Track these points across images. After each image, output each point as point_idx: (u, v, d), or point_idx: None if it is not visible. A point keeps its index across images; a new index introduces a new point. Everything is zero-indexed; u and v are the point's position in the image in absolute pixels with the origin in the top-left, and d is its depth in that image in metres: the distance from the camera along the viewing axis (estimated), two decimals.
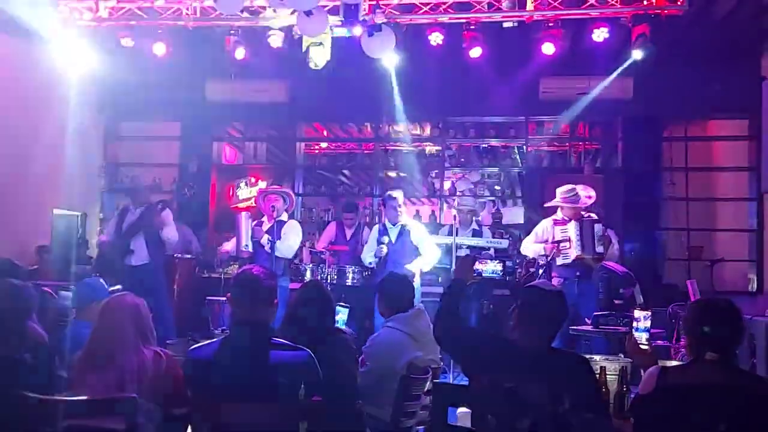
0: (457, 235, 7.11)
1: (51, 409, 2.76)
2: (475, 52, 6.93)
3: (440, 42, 6.85)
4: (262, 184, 9.31)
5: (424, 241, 6.80)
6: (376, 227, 7.10)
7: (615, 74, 7.78)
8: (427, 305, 4.35)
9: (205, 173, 9.62)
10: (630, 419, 2.83)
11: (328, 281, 7.11)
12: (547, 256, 6.56)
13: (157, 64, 7.71)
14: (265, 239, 6.51)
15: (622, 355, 4.02)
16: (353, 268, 7.24)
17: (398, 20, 6.68)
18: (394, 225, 6.82)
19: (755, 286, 8.29)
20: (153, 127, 9.85)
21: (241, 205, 9.34)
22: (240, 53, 7.29)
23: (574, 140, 10.20)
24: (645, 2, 6.35)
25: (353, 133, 10.99)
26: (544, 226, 6.68)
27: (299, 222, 7.32)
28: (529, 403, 2.69)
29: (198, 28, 7.26)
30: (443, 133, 9.69)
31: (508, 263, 7.49)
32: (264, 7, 6.96)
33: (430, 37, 6.86)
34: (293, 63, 7.46)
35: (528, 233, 7.15)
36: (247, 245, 6.60)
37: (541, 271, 6.70)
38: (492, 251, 7.37)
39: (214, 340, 2.89)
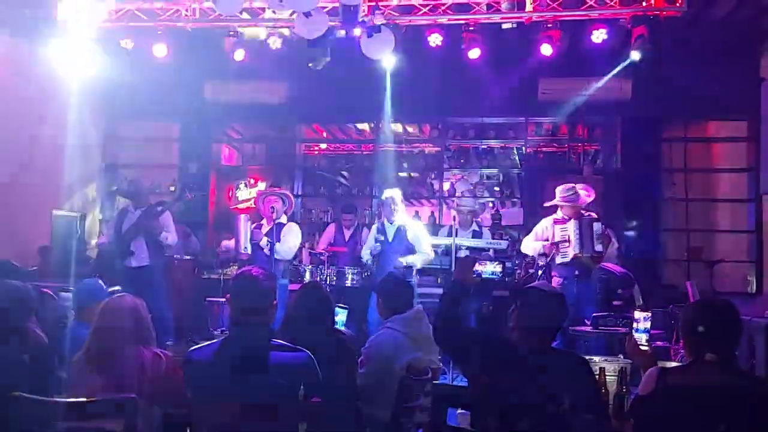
0: (456, 235, 7.13)
1: (50, 410, 2.76)
2: (474, 53, 6.94)
3: (439, 43, 6.86)
4: (262, 185, 9.31)
5: (420, 240, 6.84)
6: (375, 225, 7.13)
7: (613, 74, 7.78)
8: (426, 306, 4.35)
9: (205, 174, 9.61)
10: (629, 420, 2.83)
11: (327, 282, 7.11)
12: (546, 255, 6.58)
13: (156, 66, 7.71)
14: (264, 241, 6.51)
15: (622, 356, 4.03)
16: (352, 269, 7.25)
17: (397, 21, 6.68)
18: (391, 223, 6.86)
19: (754, 287, 8.29)
20: (152, 128, 9.84)
21: (240, 206, 9.33)
22: (239, 54, 7.29)
23: (574, 141, 10.20)
24: (644, 3, 6.35)
25: (352, 134, 10.99)
26: (544, 224, 6.71)
27: (298, 223, 7.32)
28: (529, 404, 2.69)
29: (197, 30, 7.26)
30: (442, 133, 9.69)
31: (508, 264, 7.52)
32: (263, 8, 6.97)
33: (429, 38, 6.86)
34: (292, 64, 7.46)
35: (527, 234, 7.17)
36: (246, 247, 6.60)
37: (540, 272, 6.72)
38: (491, 252, 7.38)
39: (214, 341, 2.89)
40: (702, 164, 8.94)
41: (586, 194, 6.58)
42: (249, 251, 6.61)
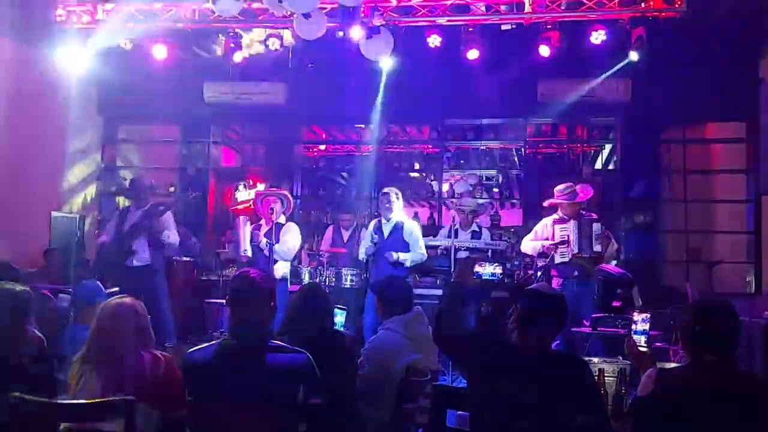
0: (456, 236, 7.14)
1: (49, 412, 2.76)
2: (473, 54, 6.95)
3: (438, 44, 6.86)
4: (261, 187, 9.30)
5: (416, 239, 6.88)
6: (372, 222, 7.13)
7: (612, 75, 7.78)
8: (426, 307, 4.35)
9: (204, 176, 9.61)
10: (629, 421, 2.83)
11: (326, 283, 7.12)
12: (546, 255, 6.59)
13: (155, 67, 7.71)
14: (263, 242, 6.51)
15: (621, 357, 4.03)
16: (351, 270, 7.26)
17: (396, 22, 6.68)
18: (387, 220, 6.87)
19: (753, 287, 8.30)
20: (151, 130, 9.84)
21: (239, 207, 9.33)
22: (238, 56, 7.29)
23: (573, 142, 10.21)
24: (643, 5, 6.36)
25: (351, 135, 10.99)
26: (544, 224, 6.74)
27: (297, 224, 7.32)
28: (528, 405, 2.69)
29: (196, 31, 7.26)
30: (441, 135, 9.69)
31: (507, 265, 7.53)
32: (263, 10, 6.97)
33: (428, 40, 6.87)
34: (292, 65, 7.46)
35: (526, 235, 7.18)
36: (246, 249, 6.60)
37: (539, 273, 6.73)
38: (490, 253, 7.39)
39: (213, 342, 2.88)
40: (701, 165, 8.94)
41: (582, 192, 6.61)
42: (249, 253, 6.61)
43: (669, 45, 7.13)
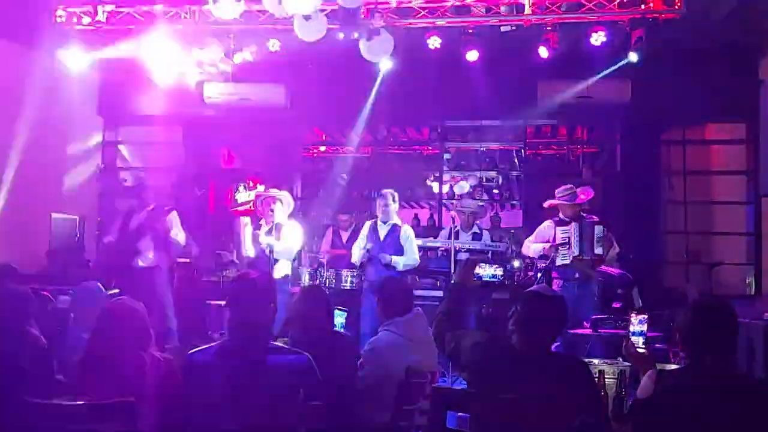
0: (457, 237, 7.14)
1: (50, 414, 2.76)
2: (472, 56, 6.94)
3: (438, 46, 6.86)
4: (261, 188, 9.30)
5: (410, 244, 6.91)
6: (368, 223, 7.13)
7: (612, 76, 7.78)
8: (426, 308, 4.35)
9: (204, 177, 9.61)
10: (629, 423, 2.83)
11: (326, 285, 7.12)
12: (547, 257, 6.60)
13: (155, 67, 7.71)
14: (264, 243, 6.52)
15: (621, 359, 4.03)
16: (351, 272, 7.25)
17: (396, 24, 6.68)
18: (384, 223, 6.88)
19: (753, 289, 8.30)
20: (151, 131, 9.84)
21: (239, 208, 9.33)
22: (238, 57, 7.29)
23: (573, 143, 10.23)
24: (642, 6, 6.36)
25: (351, 136, 10.98)
26: (545, 226, 6.74)
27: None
28: (529, 406, 2.70)
29: (197, 32, 7.26)
30: (441, 136, 9.70)
31: (508, 267, 7.54)
32: (262, 11, 6.97)
33: (428, 41, 6.87)
34: (292, 67, 7.46)
35: (527, 237, 7.18)
36: (247, 250, 6.61)
37: (540, 274, 6.73)
38: (490, 255, 7.40)
39: (213, 344, 2.89)
40: (701, 167, 8.94)
41: (583, 193, 6.62)
42: (251, 254, 6.62)
43: (669, 46, 7.13)
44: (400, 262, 6.80)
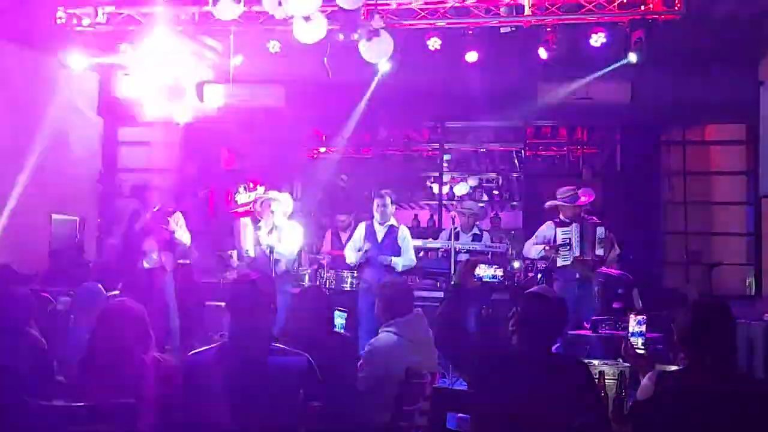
0: (457, 238, 7.14)
1: (50, 415, 2.75)
2: (472, 57, 6.94)
3: (438, 47, 6.86)
4: (261, 189, 9.30)
5: (408, 245, 6.94)
6: (362, 225, 7.12)
7: (612, 77, 7.78)
8: (426, 309, 4.35)
9: (204, 179, 9.61)
10: (629, 424, 2.83)
11: (327, 286, 7.12)
12: (547, 258, 6.61)
13: (155, 68, 7.70)
14: (265, 244, 6.52)
15: (621, 360, 4.03)
16: (351, 272, 7.25)
17: (396, 25, 6.68)
18: (381, 224, 6.88)
19: (753, 290, 8.30)
20: (152, 132, 9.84)
21: (240, 209, 9.32)
22: (238, 58, 7.29)
23: (573, 144, 10.22)
24: (642, 7, 6.36)
25: (352, 137, 10.98)
26: (546, 227, 6.75)
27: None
28: (529, 408, 2.69)
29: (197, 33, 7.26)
30: (441, 137, 9.69)
31: (508, 268, 7.54)
32: (262, 13, 6.97)
33: (428, 42, 6.87)
34: (292, 68, 7.47)
35: (527, 238, 7.19)
36: (248, 251, 6.61)
37: (540, 275, 6.74)
38: (490, 256, 7.40)
39: (213, 345, 2.89)
40: (701, 167, 8.94)
41: (583, 195, 6.63)
42: (252, 254, 6.62)
43: (669, 47, 7.13)
44: (399, 263, 6.82)
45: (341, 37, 6.45)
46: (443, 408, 3.19)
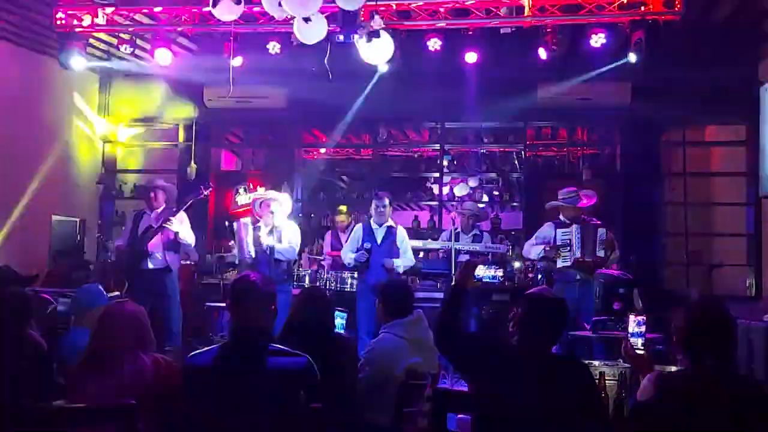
0: (458, 239, 7.15)
1: (49, 416, 2.75)
2: (472, 58, 6.95)
3: (438, 48, 6.86)
4: (261, 190, 9.30)
5: (406, 245, 6.94)
6: (359, 227, 7.12)
7: (612, 78, 7.78)
8: (426, 310, 4.35)
9: (204, 179, 9.60)
10: (630, 425, 2.83)
11: (327, 287, 7.12)
12: (547, 259, 6.61)
13: (156, 70, 7.71)
14: (265, 245, 6.53)
15: (621, 361, 4.03)
16: (351, 273, 7.26)
17: (396, 26, 6.68)
18: (380, 226, 6.88)
19: (753, 291, 8.29)
20: (152, 133, 9.85)
21: (240, 210, 9.33)
22: (238, 60, 7.29)
23: (573, 145, 10.23)
24: (642, 8, 6.36)
25: (352, 139, 10.99)
26: (547, 228, 6.75)
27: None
28: (530, 409, 2.69)
29: (197, 34, 7.26)
30: (441, 138, 9.70)
31: (508, 269, 7.54)
32: (262, 14, 6.97)
33: (428, 43, 6.87)
34: (292, 69, 7.47)
35: (527, 238, 7.18)
36: (249, 252, 6.61)
37: (540, 276, 6.73)
38: (490, 256, 7.40)
39: (213, 346, 2.89)
40: (701, 168, 8.94)
41: (585, 197, 6.64)
42: (253, 255, 6.63)
43: (669, 48, 7.12)
44: (400, 264, 6.82)
45: (341, 38, 6.44)
46: (444, 409, 3.19)
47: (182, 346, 6.31)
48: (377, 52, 6.25)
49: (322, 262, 8.02)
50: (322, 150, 11.11)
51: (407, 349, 3.93)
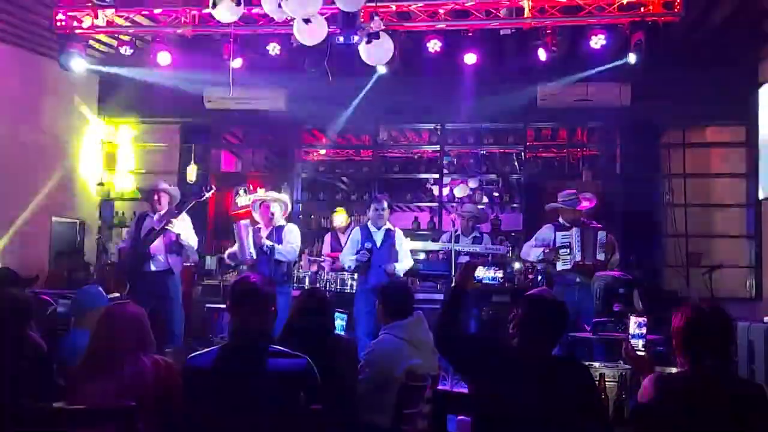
0: (458, 241, 7.15)
1: (49, 418, 2.75)
2: (472, 59, 6.95)
3: (438, 49, 6.87)
4: (261, 191, 9.31)
5: (404, 248, 6.94)
6: (356, 230, 7.12)
7: (612, 79, 7.80)
8: (426, 312, 4.35)
9: (204, 180, 9.60)
10: (630, 426, 2.83)
11: (327, 288, 7.12)
12: (546, 261, 6.60)
13: (155, 72, 7.72)
14: (266, 245, 6.52)
15: (622, 362, 4.02)
16: (351, 274, 7.26)
17: (396, 27, 6.68)
18: (378, 228, 6.88)
19: (753, 292, 8.29)
20: (152, 135, 9.85)
21: (240, 212, 9.33)
22: (238, 61, 7.29)
23: (573, 146, 10.23)
24: (642, 9, 6.36)
25: (352, 140, 11.00)
26: (546, 230, 6.74)
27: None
28: (530, 410, 2.69)
29: (197, 36, 7.26)
30: (441, 139, 9.70)
31: (508, 270, 7.54)
32: (262, 15, 6.97)
33: (428, 44, 6.87)
34: (292, 71, 7.47)
35: (527, 240, 7.18)
36: (251, 253, 6.61)
37: (540, 278, 6.72)
38: (490, 258, 7.39)
39: (213, 347, 2.88)
40: (701, 169, 8.94)
41: (585, 200, 6.63)
42: (254, 255, 6.63)
43: (668, 49, 7.13)
44: (401, 269, 6.82)
45: (341, 39, 6.44)
46: (444, 410, 3.19)
47: (182, 348, 6.31)
48: (377, 53, 6.25)
49: (322, 264, 8.02)
50: (322, 151, 11.11)
51: (407, 351, 3.93)
